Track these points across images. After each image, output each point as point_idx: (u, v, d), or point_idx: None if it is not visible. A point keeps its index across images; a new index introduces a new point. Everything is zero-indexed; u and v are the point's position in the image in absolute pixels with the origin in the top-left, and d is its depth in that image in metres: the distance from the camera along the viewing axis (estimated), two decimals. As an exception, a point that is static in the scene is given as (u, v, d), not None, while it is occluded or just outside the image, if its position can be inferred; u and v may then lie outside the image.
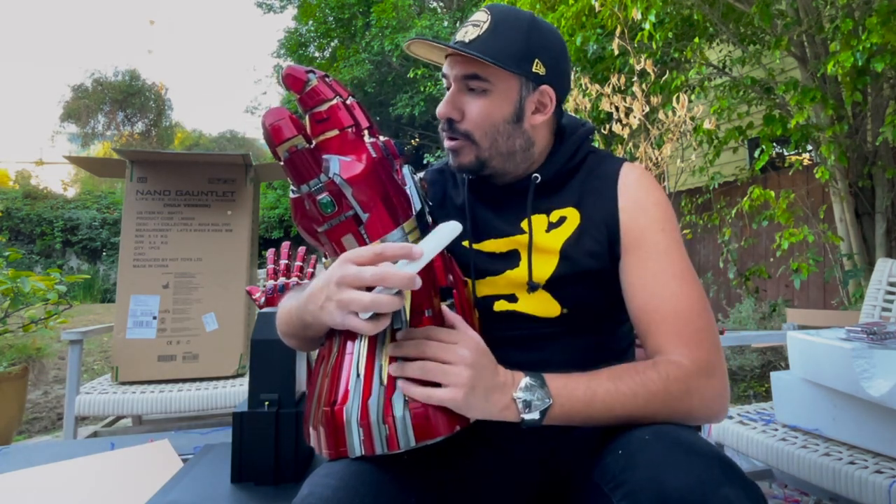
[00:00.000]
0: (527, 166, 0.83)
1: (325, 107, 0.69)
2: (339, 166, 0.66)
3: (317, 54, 11.25)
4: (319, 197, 0.65)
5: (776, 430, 1.35)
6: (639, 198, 0.79)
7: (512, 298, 0.80)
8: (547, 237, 0.80)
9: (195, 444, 1.34)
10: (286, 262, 1.44)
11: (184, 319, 1.99)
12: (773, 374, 1.38)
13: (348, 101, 0.71)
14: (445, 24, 9.11)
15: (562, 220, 0.81)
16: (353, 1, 9.64)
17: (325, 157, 0.67)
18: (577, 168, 0.84)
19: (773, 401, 1.41)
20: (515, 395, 0.63)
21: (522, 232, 0.81)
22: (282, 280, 1.39)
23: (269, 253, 1.45)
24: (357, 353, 0.66)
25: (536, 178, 0.81)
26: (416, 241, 0.69)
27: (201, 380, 1.95)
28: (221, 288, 2.03)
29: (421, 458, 0.68)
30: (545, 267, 0.78)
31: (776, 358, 3.20)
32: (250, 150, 2.17)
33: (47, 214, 9.68)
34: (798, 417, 1.32)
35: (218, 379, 1.97)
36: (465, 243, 0.82)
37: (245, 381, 1.91)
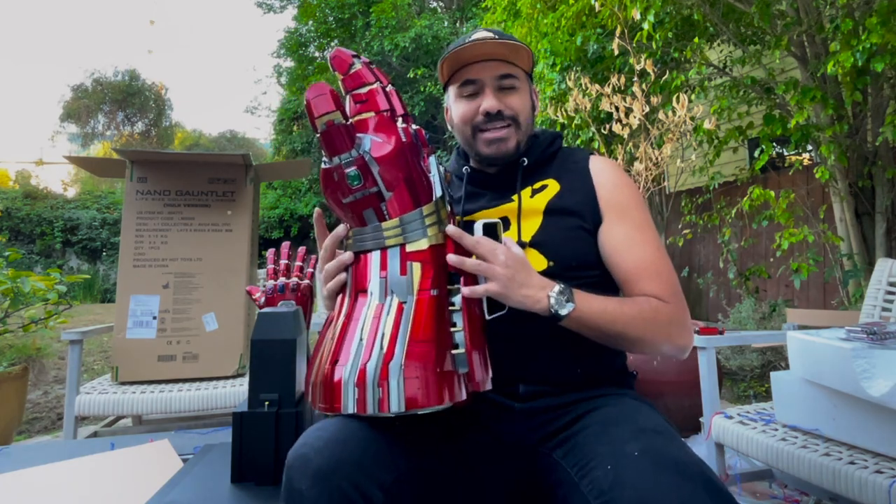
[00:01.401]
0: (520, 153, 0.98)
1: (365, 90, 0.75)
2: (371, 145, 0.72)
3: (317, 54, 11.24)
4: (348, 170, 0.71)
5: (776, 430, 1.35)
6: (614, 178, 0.95)
7: None
8: (531, 201, 0.94)
9: (195, 444, 1.34)
10: (286, 262, 1.44)
11: (184, 319, 1.99)
12: (773, 374, 1.38)
13: (388, 88, 0.78)
14: (445, 24, 9.12)
15: (543, 186, 0.96)
16: (353, 1, 9.63)
17: (359, 135, 0.73)
18: (553, 156, 1.01)
19: (773, 401, 1.41)
20: (549, 294, 0.76)
21: (512, 201, 0.95)
22: (282, 280, 1.39)
23: (269, 253, 1.45)
24: (363, 319, 0.70)
25: (524, 161, 0.97)
26: (433, 224, 0.75)
27: (201, 380, 1.95)
28: (221, 288, 2.03)
29: (414, 427, 0.72)
30: (531, 227, 0.91)
31: (776, 358, 3.20)
32: (250, 150, 2.17)
33: (47, 214, 9.67)
34: (798, 417, 1.32)
35: (218, 379, 1.96)
36: (458, 218, 0.93)
37: (245, 381, 1.91)
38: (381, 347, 0.67)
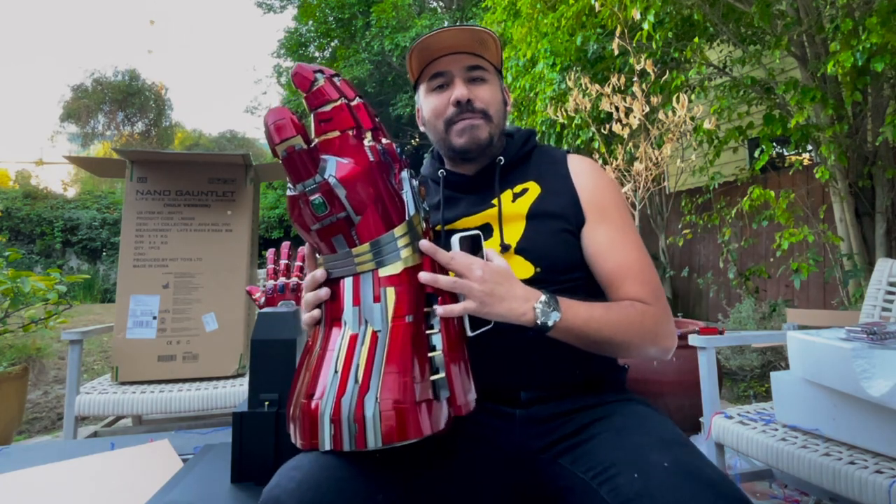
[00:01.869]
0: (496, 151, 0.97)
1: (328, 107, 0.70)
2: (336, 168, 0.68)
3: (317, 54, 11.25)
4: (312, 198, 0.68)
5: (776, 430, 1.35)
6: (594, 178, 0.94)
7: None
8: (513, 206, 0.93)
9: (195, 444, 1.34)
10: (286, 262, 1.44)
11: (184, 319, 1.99)
12: (773, 374, 1.38)
13: (354, 103, 0.73)
14: (445, 24, 9.11)
15: (524, 190, 0.94)
16: (353, 1, 9.63)
17: (323, 157, 0.69)
18: (529, 155, 0.99)
19: (773, 401, 1.41)
20: (535, 306, 0.74)
21: (493, 206, 0.93)
22: (282, 280, 1.39)
23: (269, 253, 1.45)
24: (337, 349, 0.68)
25: (500, 160, 0.96)
26: (408, 245, 0.71)
27: (201, 380, 1.95)
28: (221, 288, 2.03)
29: (395, 457, 0.70)
30: (514, 233, 0.90)
31: (776, 358, 3.20)
32: (250, 150, 2.17)
33: (47, 214, 9.67)
34: (798, 417, 1.32)
35: (218, 379, 1.97)
36: (438, 227, 0.94)
37: (245, 381, 1.91)
38: (357, 380, 0.65)
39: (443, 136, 0.95)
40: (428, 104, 0.96)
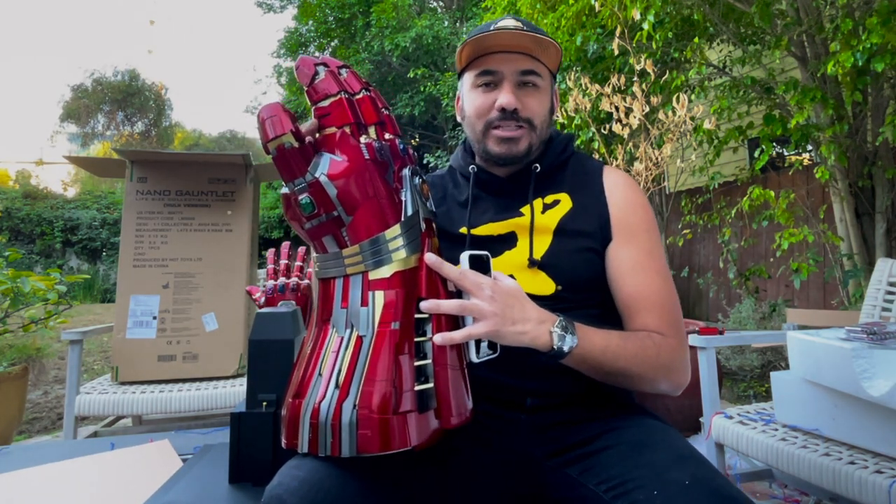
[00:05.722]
0: (533, 158, 0.92)
1: (327, 102, 0.69)
2: (328, 166, 0.66)
3: (317, 54, 11.22)
4: (300, 197, 0.66)
5: (776, 430, 1.35)
6: (628, 197, 0.90)
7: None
8: (543, 217, 0.88)
9: (195, 444, 1.34)
10: (286, 262, 1.44)
11: (184, 319, 1.99)
12: (773, 374, 1.38)
13: (359, 96, 0.71)
14: (445, 24, 9.11)
15: (556, 202, 0.90)
16: (353, 1, 9.63)
17: (321, 153, 0.67)
18: (565, 163, 0.95)
19: (773, 401, 1.41)
20: (551, 330, 0.71)
21: (521, 215, 0.89)
22: (282, 280, 1.38)
23: (269, 253, 1.45)
24: (324, 352, 0.66)
25: (536, 167, 0.91)
26: (401, 247, 0.68)
27: (201, 380, 1.95)
28: (221, 288, 2.03)
29: (397, 457, 0.68)
30: (540, 247, 0.87)
31: (776, 358, 3.20)
32: (250, 150, 2.16)
33: (47, 214, 9.68)
34: (798, 417, 1.32)
35: (218, 379, 1.97)
36: (463, 230, 0.90)
37: (245, 381, 1.91)
38: (337, 385, 0.63)
39: (480, 137, 0.91)
40: (471, 100, 0.91)
